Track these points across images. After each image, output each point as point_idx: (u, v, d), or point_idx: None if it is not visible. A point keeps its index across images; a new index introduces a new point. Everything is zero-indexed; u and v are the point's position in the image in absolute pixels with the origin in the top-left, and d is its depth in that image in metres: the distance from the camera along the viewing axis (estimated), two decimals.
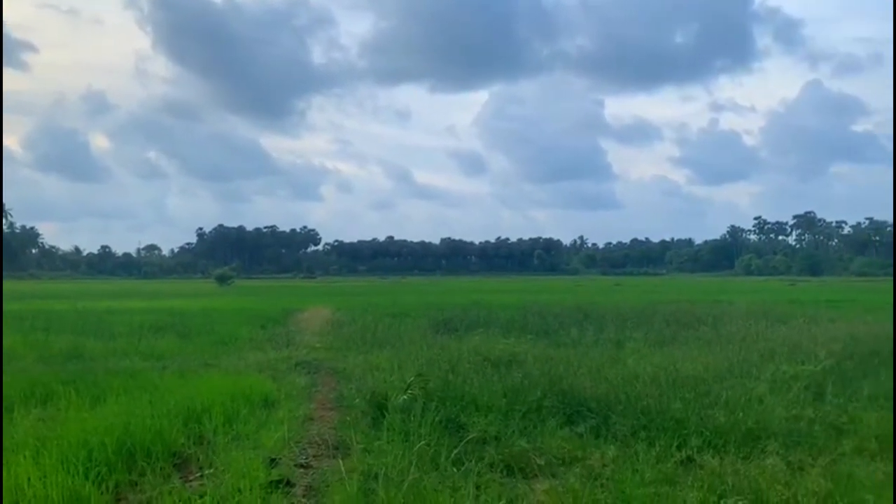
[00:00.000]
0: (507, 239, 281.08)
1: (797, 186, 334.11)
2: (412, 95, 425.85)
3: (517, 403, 11.43)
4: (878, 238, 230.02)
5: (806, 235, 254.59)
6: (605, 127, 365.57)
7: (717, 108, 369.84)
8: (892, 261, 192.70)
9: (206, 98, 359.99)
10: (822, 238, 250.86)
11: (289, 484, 8.13)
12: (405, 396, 11.26)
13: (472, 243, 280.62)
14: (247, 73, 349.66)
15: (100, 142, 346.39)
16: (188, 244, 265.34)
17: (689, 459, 9.00)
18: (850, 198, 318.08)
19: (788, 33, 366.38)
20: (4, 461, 8.28)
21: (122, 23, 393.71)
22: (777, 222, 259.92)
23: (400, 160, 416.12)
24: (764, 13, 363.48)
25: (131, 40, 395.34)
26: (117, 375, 15.06)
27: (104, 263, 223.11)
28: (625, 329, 24.94)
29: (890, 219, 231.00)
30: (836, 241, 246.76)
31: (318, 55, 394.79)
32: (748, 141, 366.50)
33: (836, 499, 7.26)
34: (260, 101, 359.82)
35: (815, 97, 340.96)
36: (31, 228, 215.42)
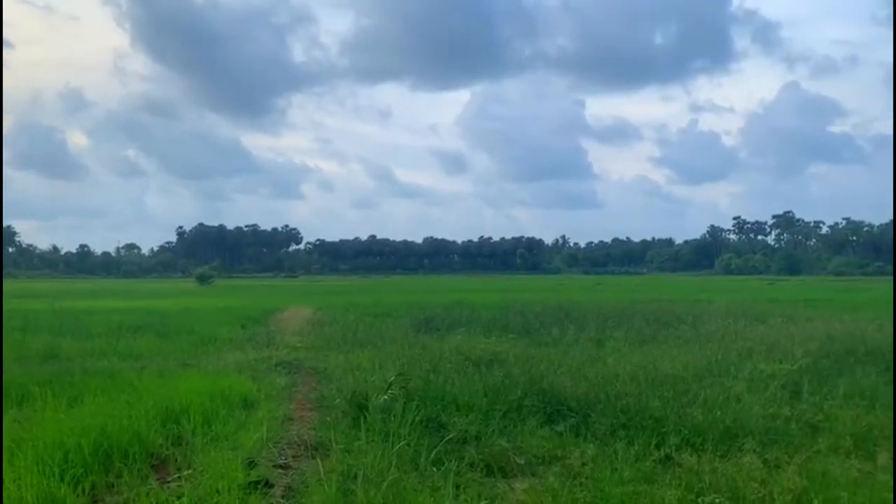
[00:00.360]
0: (490, 238, 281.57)
1: (776, 186, 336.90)
2: (393, 94, 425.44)
3: (498, 403, 11.46)
4: (855, 238, 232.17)
5: (785, 235, 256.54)
6: (586, 127, 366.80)
7: (696, 108, 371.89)
8: (869, 261, 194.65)
9: (185, 95, 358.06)
10: (800, 238, 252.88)
11: (268, 485, 8.11)
12: (386, 396, 11.26)
13: (454, 242, 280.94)
14: (226, 70, 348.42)
15: (78, 139, 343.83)
16: (168, 243, 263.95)
17: (668, 458, 9.05)
18: (827, 198, 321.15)
19: (766, 35, 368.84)
20: None
21: (99, 19, 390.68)
22: (756, 222, 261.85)
23: (382, 159, 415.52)
24: (742, 15, 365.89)
25: (109, 37, 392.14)
26: (95, 376, 14.95)
27: (83, 262, 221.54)
28: (605, 328, 25.04)
29: (867, 219, 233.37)
30: (814, 240, 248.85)
31: (298, 53, 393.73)
32: (727, 141, 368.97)
33: (810, 496, 7.32)
34: (240, 99, 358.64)
35: (792, 98, 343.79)
36: (8, 227, 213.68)
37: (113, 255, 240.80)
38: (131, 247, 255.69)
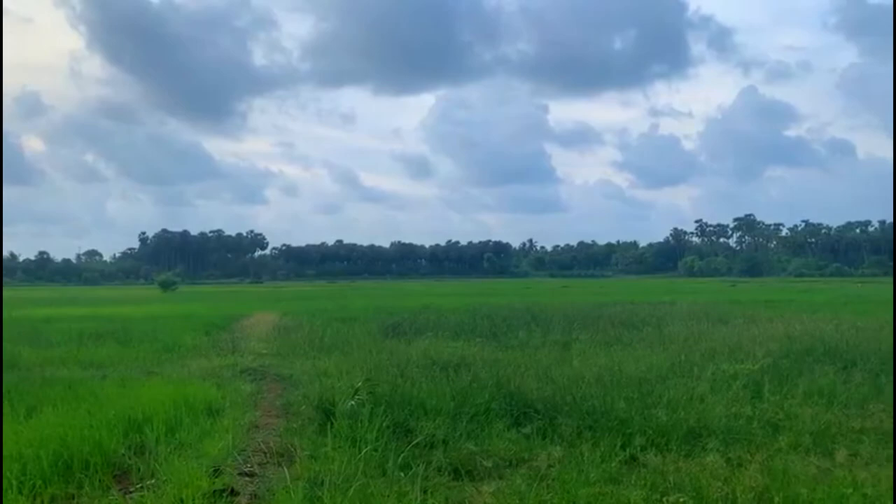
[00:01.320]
0: (457, 242, 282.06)
1: (735, 189, 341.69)
2: (356, 98, 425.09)
3: (465, 406, 11.46)
4: (813, 240, 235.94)
5: (746, 237, 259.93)
6: (549, 131, 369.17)
7: (655, 113, 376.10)
8: (827, 262, 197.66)
9: (144, 99, 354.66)
10: (761, 240, 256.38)
11: (233, 493, 8.03)
12: (353, 402, 11.21)
13: (422, 246, 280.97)
14: (186, 74, 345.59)
15: (34, 144, 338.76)
16: (130, 249, 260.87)
17: (633, 458, 9.12)
18: (785, 201, 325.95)
19: (721, 41, 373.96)
20: None
21: (53, 21, 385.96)
22: (718, 225, 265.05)
23: (346, 163, 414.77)
24: (698, 21, 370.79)
25: (64, 40, 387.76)
26: (54, 385, 14.70)
27: (42, 270, 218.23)
28: (571, 330, 25.16)
29: (825, 221, 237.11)
30: (774, 243, 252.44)
31: (259, 57, 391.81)
32: (687, 145, 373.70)
33: (772, 493, 7.42)
34: (200, 103, 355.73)
35: (749, 103, 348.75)
36: None
37: (73, 262, 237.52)
38: (92, 253, 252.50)
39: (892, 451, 9.24)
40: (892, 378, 14.00)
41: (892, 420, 10.85)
